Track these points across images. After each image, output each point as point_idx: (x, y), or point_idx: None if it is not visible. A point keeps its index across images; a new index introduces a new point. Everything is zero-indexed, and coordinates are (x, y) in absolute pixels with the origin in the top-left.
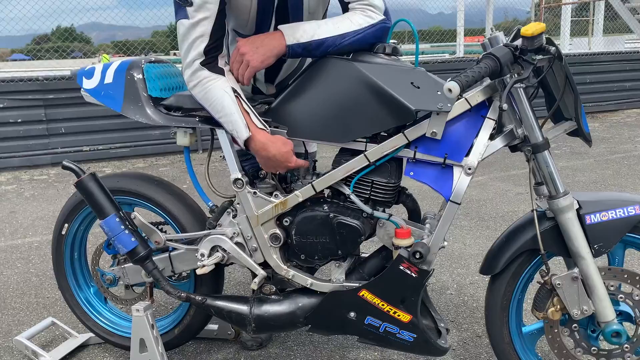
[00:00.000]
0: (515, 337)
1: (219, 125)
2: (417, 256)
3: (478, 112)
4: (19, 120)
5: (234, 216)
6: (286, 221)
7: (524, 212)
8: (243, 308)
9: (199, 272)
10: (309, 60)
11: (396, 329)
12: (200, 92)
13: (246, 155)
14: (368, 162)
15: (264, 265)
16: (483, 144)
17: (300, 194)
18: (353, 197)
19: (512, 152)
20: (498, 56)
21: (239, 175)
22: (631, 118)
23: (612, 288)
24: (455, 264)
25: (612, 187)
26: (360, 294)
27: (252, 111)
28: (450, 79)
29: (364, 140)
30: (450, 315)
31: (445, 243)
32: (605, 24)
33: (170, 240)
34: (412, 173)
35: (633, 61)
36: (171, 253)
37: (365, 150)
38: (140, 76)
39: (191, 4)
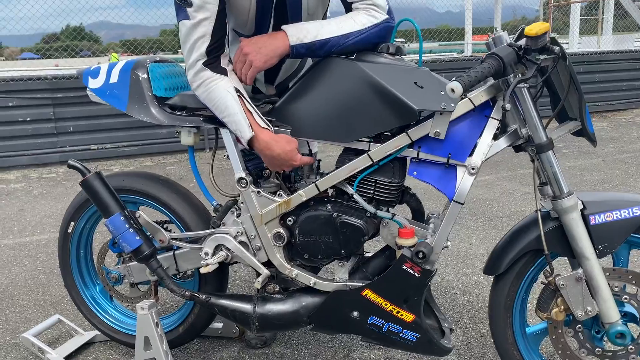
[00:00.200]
0: (519, 337)
1: (223, 125)
2: (420, 256)
3: (482, 112)
4: (28, 119)
5: (238, 215)
6: (290, 220)
7: (530, 212)
8: (247, 307)
9: (203, 270)
10: (309, 61)
11: (399, 328)
12: (203, 92)
13: (250, 154)
14: (371, 162)
15: (268, 264)
16: (487, 144)
17: (304, 194)
18: (356, 197)
19: (516, 152)
20: (502, 56)
21: (243, 175)
22: None
23: (616, 289)
24: (461, 263)
25: (620, 187)
26: (364, 294)
27: (256, 111)
28: (453, 79)
29: (368, 140)
30: (455, 315)
31: (449, 243)
32: (615, 22)
33: (175, 239)
34: (415, 173)
35: None
36: (175, 252)
37: (369, 150)
38: (145, 76)
39: (191, 5)
